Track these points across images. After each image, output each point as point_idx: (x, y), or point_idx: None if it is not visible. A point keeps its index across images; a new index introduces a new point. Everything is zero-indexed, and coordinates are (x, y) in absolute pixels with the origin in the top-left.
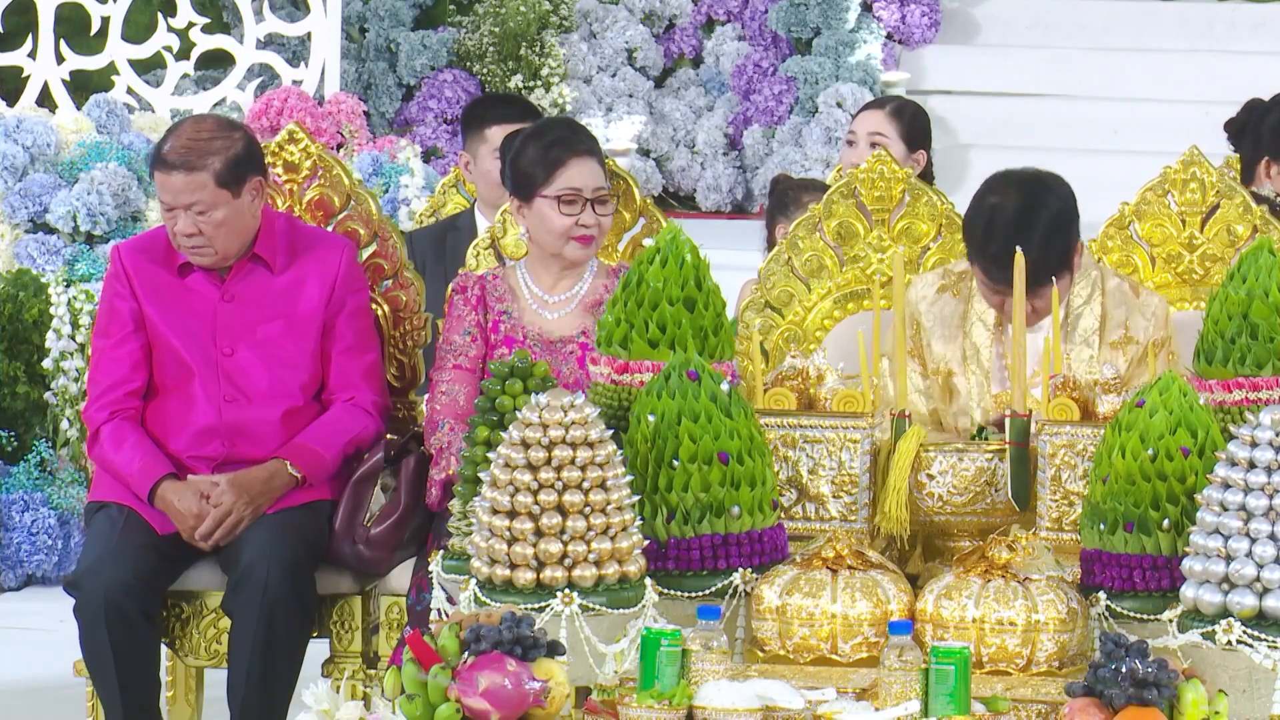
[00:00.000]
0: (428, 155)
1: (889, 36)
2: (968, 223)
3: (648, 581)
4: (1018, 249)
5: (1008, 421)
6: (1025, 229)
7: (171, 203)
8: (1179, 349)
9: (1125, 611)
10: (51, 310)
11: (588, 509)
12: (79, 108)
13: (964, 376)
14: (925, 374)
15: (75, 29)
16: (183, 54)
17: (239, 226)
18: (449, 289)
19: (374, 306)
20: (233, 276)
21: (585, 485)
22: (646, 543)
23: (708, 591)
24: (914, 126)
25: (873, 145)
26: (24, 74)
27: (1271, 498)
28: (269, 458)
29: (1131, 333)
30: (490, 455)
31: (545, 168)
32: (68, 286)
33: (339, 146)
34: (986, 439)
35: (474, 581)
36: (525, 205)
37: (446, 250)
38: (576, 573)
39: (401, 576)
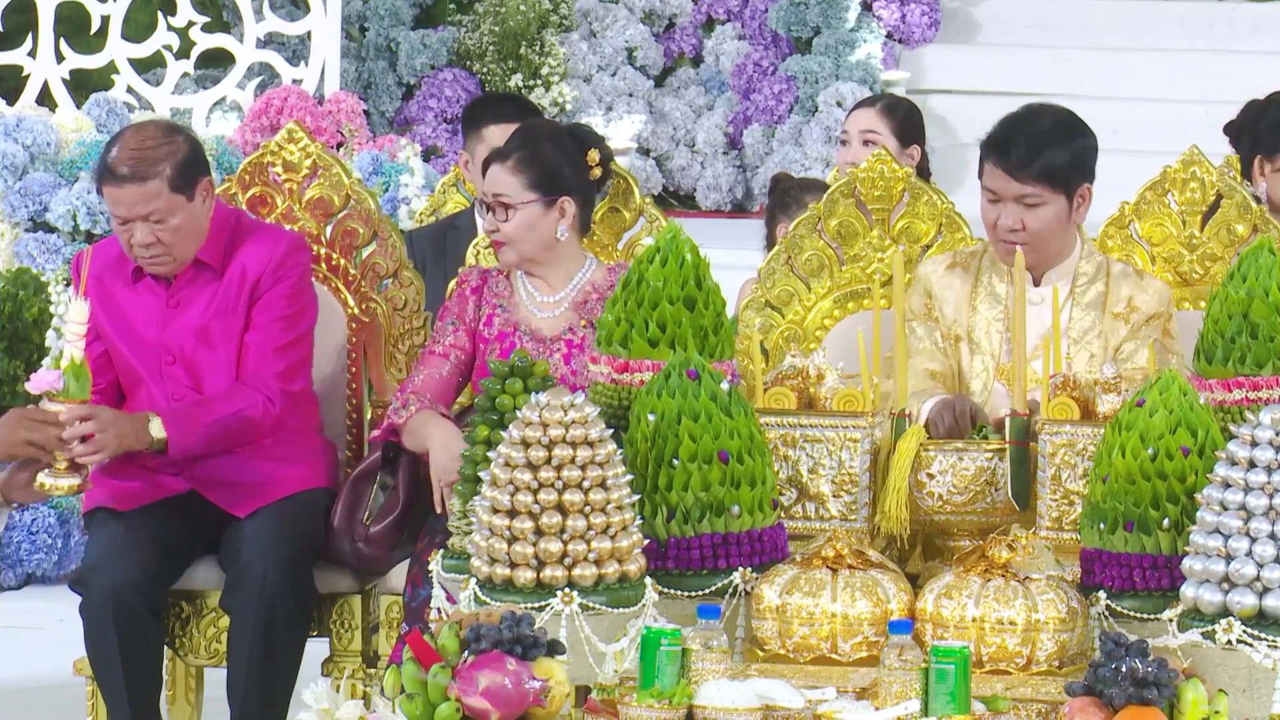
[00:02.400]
0: (428, 154)
1: (889, 36)
2: (991, 136)
3: (648, 581)
4: (1019, 249)
5: (1008, 421)
6: (1053, 133)
7: (126, 215)
8: (1178, 331)
9: (1125, 611)
10: (51, 309)
11: (588, 508)
12: (79, 107)
13: (969, 351)
14: (945, 335)
15: (75, 28)
16: (183, 53)
17: (194, 230)
18: (451, 284)
19: (373, 306)
20: (177, 284)
21: (585, 484)
22: (646, 542)
23: (708, 591)
24: (906, 123)
25: (866, 143)
26: (24, 73)
27: (1271, 497)
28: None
29: (1135, 304)
30: (490, 454)
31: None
32: (67, 285)
33: (339, 146)
34: (986, 438)
35: (474, 580)
36: None
37: (446, 250)
38: (576, 572)
39: (401, 575)
